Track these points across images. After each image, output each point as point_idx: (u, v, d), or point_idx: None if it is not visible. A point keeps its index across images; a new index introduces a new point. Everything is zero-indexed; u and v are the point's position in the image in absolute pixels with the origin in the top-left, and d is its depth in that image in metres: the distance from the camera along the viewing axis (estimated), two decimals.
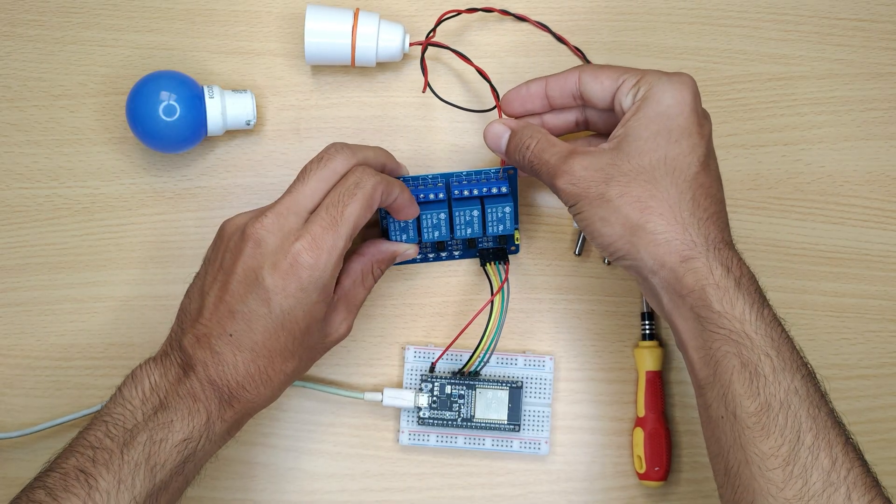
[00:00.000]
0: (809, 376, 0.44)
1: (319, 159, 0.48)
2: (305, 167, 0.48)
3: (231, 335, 0.46)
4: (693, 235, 0.45)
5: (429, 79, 0.55)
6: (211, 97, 0.54)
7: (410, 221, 0.53)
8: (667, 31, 0.59)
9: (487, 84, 0.54)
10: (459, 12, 0.56)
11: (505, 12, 0.58)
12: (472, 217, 0.53)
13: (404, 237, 0.53)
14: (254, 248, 0.46)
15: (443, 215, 0.53)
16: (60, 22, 0.58)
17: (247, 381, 0.46)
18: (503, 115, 0.54)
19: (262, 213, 0.47)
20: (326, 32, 0.54)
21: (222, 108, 0.54)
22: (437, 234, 0.53)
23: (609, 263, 0.58)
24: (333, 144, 0.49)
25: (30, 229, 0.57)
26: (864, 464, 0.43)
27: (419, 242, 0.54)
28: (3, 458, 0.56)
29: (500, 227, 0.54)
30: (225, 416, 0.46)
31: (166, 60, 0.58)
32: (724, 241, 0.46)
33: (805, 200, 0.58)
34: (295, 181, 0.48)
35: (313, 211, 0.47)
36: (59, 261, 0.57)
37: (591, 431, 0.57)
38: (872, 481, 0.43)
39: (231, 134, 0.58)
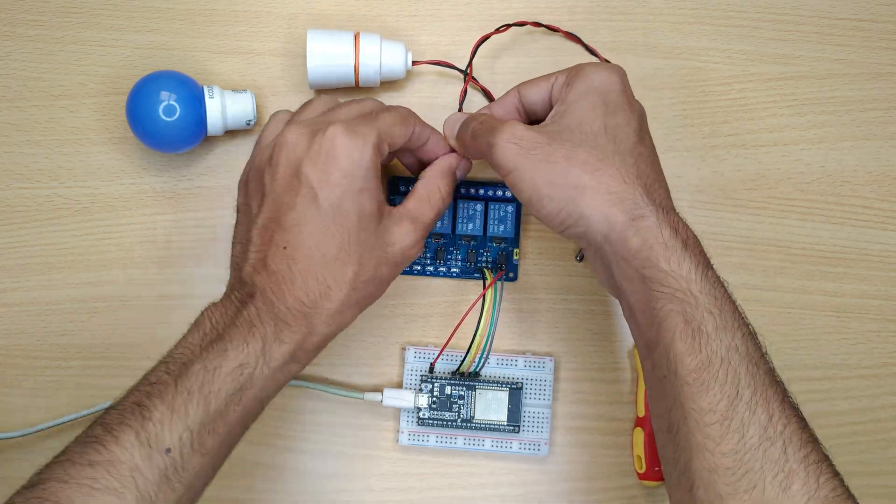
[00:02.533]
0: (750, 335, 0.44)
1: (351, 101, 0.49)
2: (359, 106, 0.49)
3: (285, 248, 0.45)
4: (641, 196, 0.45)
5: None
6: (211, 97, 0.54)
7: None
8: (667, 31, 0.59)
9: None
10: (488, 35, 0.56)
11: (539, 24, 0.58)
12: (475, 211, 0.54)
13: None
14: (288, 153, 0.46)
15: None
16: (60, 22, 0.58)
17: (304, 293, 0.45)
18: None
19: (284, 125, 0.48)
20: (329, 56, 0.54)
21: (222, 108, 0.54)
22: (439, 224, 0.54)
23: (581, 259, 0.57)
24: (365, 98, 0.50)
25: (30, 229, 0.57)
26: (802, 419, 0.43)
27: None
28: (3, 458, 0.56)
29: (501, 228, 0.54)
30: (283, 338, 0.44)
31: (166, 60, 0.58)
32: (670, 206, 0.46)
33: (805, 200, 0.58)
34: (308, 101, 0.49)
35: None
36: (59, 261, 0.57)
37: (591, 431, 0.57)
38: (809, 437, 0.42)
39: (231, 134, 0.58)
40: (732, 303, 0.45)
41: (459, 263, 0.57)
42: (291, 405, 0.57)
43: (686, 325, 0.43)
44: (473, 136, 0.48)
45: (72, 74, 0.58)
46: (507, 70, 0.58)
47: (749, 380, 0.43)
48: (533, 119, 0.51)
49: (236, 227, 0.50)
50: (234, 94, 0.55)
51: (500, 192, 0.55)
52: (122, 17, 0.58)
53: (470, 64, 0.57)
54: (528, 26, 0.57)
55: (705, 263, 0.45)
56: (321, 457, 0.57)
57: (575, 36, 0.58)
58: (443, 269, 0.57)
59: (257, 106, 0.57)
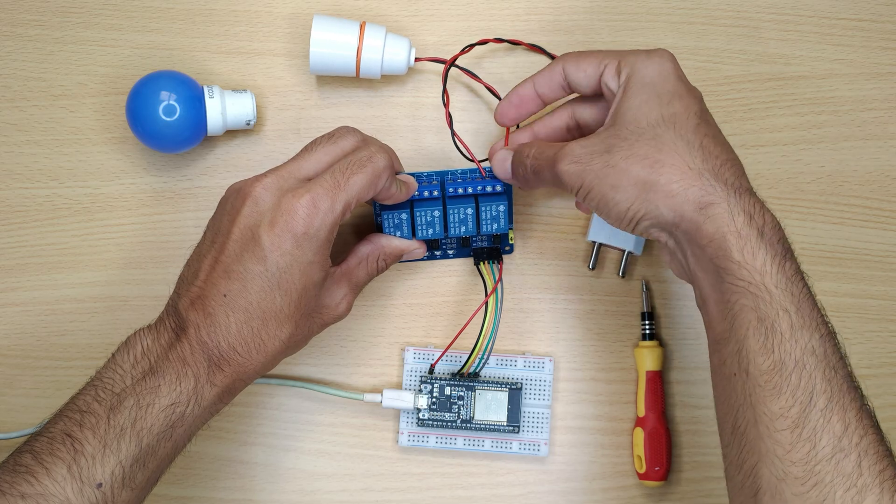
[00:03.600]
0: (829, 335, 0.42)
1: (330, 136, 0.49)
2: (314, 140, 0.49)
3: (225, 295, 0.45)
4: (710, 181, 0.43)
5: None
6: (211, 97, 0.54)
7: (405, 218, 0.53)
8: (667, 31, 0.59)
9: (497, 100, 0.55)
10: (455, 58, 0.56)
11: (531, 45, 0.58)
12: (465, 215, 0.53)
13: (398, 233, 0.54)
14: (251, 207, 0.46)
15: (437, 212, 0.53)
16: (60, 22, 0.58)
17: (239, 343, 0.45)
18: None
19: (262, 175, 0.47)
20: (332, 43, 0.54)
21: (222, 108, 0.54)
22: (431, 231, 0.54)
23: (593, 268, 0.57)
24: (345, 126, 0.50)
25: (30, 229, 0.57)
26: (879, 431, 0.41)
27: (412, 238, 0.54)
28: (2, 458, 0.56)
29: (495, 226, 0.54)
30: (215, 381, 0.45)
31: (166, 60, 0.58)
32: (745, 187, 0.44)
33: (805, 200, 0.58)
34: (301, 151, 0.49)
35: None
36: (59, 261, 0.57)
37: (591, 431, 0.57)
38: (885, 450, 0.41)
39: (231, 134, 0.58)
40: (811, 299, 0.43)
41: (454, 246, 0.57)
42: (291, 405, 0.57)
43: (759, 323, 0.42)
44: (535, 172, 0.49)
45: (72, 74, 0.58)
46: (510, 66, 0.58)
47: (825, 385, 0.41)
48: (577, 92, 0.51)
49: (198, 245, 0.49)
50: (234, 94, 0.55)
51: (489, 188, 0.54)
52: (122, 17, 0.58)
53: (445, 91, 0.56)
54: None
55: (783, 254, 0.43)
56: (321, 457, 0.57)
57: (539, 47, 0.58)
58: (438, 252, 0.57)
59: (257, 106, 0.57)
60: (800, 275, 0.43)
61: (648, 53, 0.47)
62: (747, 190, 0.44)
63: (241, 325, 0.45)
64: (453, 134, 0.55)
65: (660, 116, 0.45)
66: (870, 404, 0.43)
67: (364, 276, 0.52)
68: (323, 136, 0.49)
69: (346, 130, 0.49)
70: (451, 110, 0.57)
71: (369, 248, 0.52)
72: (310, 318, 0.48)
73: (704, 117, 0.46)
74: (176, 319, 0.46)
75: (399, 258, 0.54)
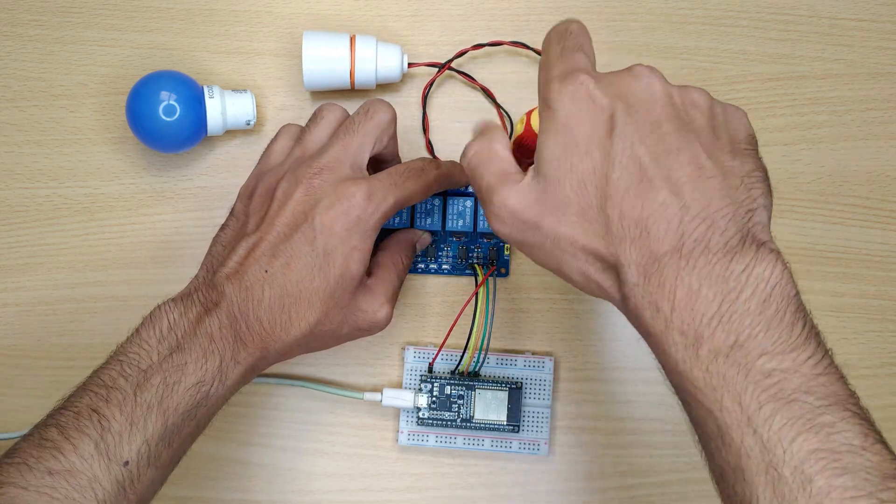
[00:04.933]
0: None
1: (366, 111, 0.49)
2: (351, 119, 0.50)
3: (267, 271, 0.46)
4: (625, 254, 0.37)
5: (430, 97, 0.55)
6: (211, 97, 0.54)
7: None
8: (667, 31, 0.59)
9: (492, 102, 0.55)
10: (433, 79, 0.57)
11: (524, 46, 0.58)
12: (464, 208, 0.54)
13: (397, 220, 0.55)
14: (308, 194, 0.47)
15: (437, 201, 0.54)
16: (60, 22, 0.58)
17: (266, 317, 0.46)
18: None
19: (311, 163, 0.48)
20: (325, 59, 0.54)
21: (222, 108, 0.54)
22: (429, 221, 0.55)
23: None
24: (372, 100, 0.50)
25: (30, 229, 0.57)
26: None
27: (410, 227, 0.55)
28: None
29: None
30: (239, 358, 0.45)
31: (166, 60, 0.58)
32: (695, 243, 0.36)
33: (805, 200, 0.58)
34: (342, 133, 0.49)
35: (364, 165, 0.49)
36: (59, 261, 0.57)
37: (591, 431, 0.57)
38: None
39: (231, 134, 0.58)
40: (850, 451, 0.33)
41: (451, 260, 0.57)
42: (291, 405, 0.57)
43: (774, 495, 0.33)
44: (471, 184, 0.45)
45: (72, 74, 0.58)
46: (505, 70, 0.58)
47: None
48: None
49: (223, 228, 0.50)
50: (234, 94, 0.55)
51: None
52: (122, 17, 0.58)
53: (425, 111, 0.57)
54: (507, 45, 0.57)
55: (779, 380, 0.34)
56: (320, 457, 0.57)
57: (522, 43, 0.57)
58: (434, 265, 0.57)
59: (257, 106, 0.57)
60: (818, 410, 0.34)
61: (561, 82, 0.40)
62: (700, 248, 0.36)
63: (273, 300, 0.46)
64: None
65: (578, 180, 0.38)
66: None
67: (395, 279, 0.51)
68: (358, 114, 0.50)
69: (377, 102, 0.50)
70: (450, 110, 0.58)
71: (386, 254, 0.53)
72: (341, 313, 0.48)
73: (629, 168, 0.37)
74: (209, 292, 0.46)
75: (413, 247, 0.55)
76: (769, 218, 0.39)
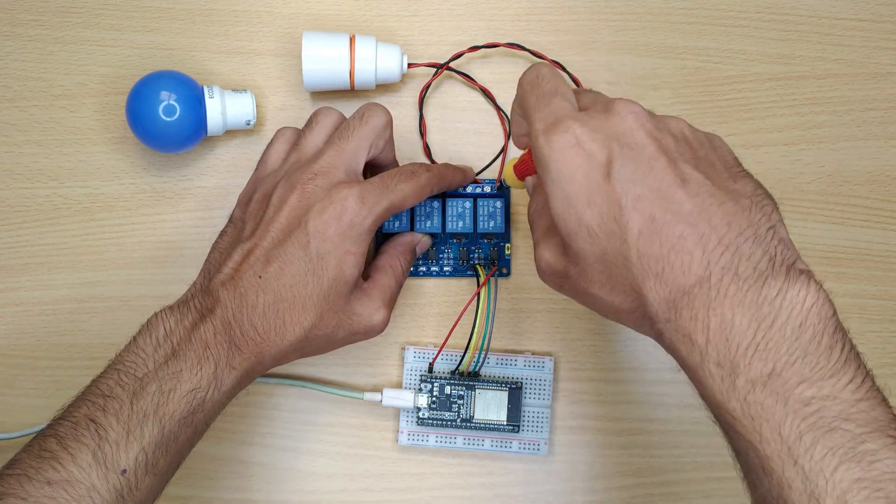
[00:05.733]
0: None
1: (361, 116, 0.50)
2: (346, 124, 0.50)
3: (261, 277, 0.46)
4: (656, 306, 0.37)
5: (429, 97, 0.55)
6: (211, 97, 0.54)
7: (404, 210, 0.54)
8: (667, 31, 0.59)
9: (492, 103, 0.55)
10: (429, 82, 0.57)
11: (520, 47, 0.58)
12: (464, 209, 0.54)
13: (397, 224, 0.55)
14: (302, 199, 0.47)
15: (436, 203, 0.54)
16: (60, 22, 0.58)
17: (261, 322, 0.46)
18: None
19: (306, 168, 0.48)
20: (324, 59, 0.54)
21: (222, 108, 0.54)
22: (429, 223, 0.55)
23: None
24: (368, 104, 0.50)
25: (30, 229, 0.57)
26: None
27: (411, 230, 0.55)
28: (3, 459, 0.56)
29: (492, 224, 0.54)
30: (234, 363, 0.45)
31: (166, 60, 0.58)
32: (700, 289, 0.36)
33: (805, 200, 0.58)
34: (337, 138, 0.49)
35: (359, 170, 0.49)
36: (59, 261, 0.57)
37: (591, 431, 0.57)
38: None
39: (231, 134, 0.58)
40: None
41: (452, 262, 0.57)
42: (290, 405, 0.57)
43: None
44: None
45: (72, 74, 0.58)
46: (505, 70, 0.58)
47: None
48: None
49: (222, 235, 0.51)
50: (234, 94, 0.55)
51: (487, 189, 0.55)
52: (122, 17, 0.58)
53: (421, 113, 0.57)
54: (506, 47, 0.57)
55: (817, 416, 0.33)
56: (320, 457, 0.57)
57: (519, 45, 0.57)
58: (435, 268, 0.57)
59: (257, 106, 0.57)
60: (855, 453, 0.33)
61: (546, 133, 0.39)
62: (717, 291, 0.36)
63: (267, 305, 0.46)
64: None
65: (586, 230, 0.38)
66: None
67: (392, 282, 0.51)
68: (354, 118, 0.50)
69: (373, 106, 0.50)
70: (450, 111, 0.58)
71: (384, 257, 0.53)
72: (336, 317, 0.48)
73: (639, 209, 0.37)
74: (204, 299, 0.46)
75: (412, 250, 0.55)
76: (787, 232, 0.39)
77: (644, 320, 0.39)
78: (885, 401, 0.35)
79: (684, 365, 0.37)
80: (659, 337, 0.38)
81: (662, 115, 0.42)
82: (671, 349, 0.38)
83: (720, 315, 0.35)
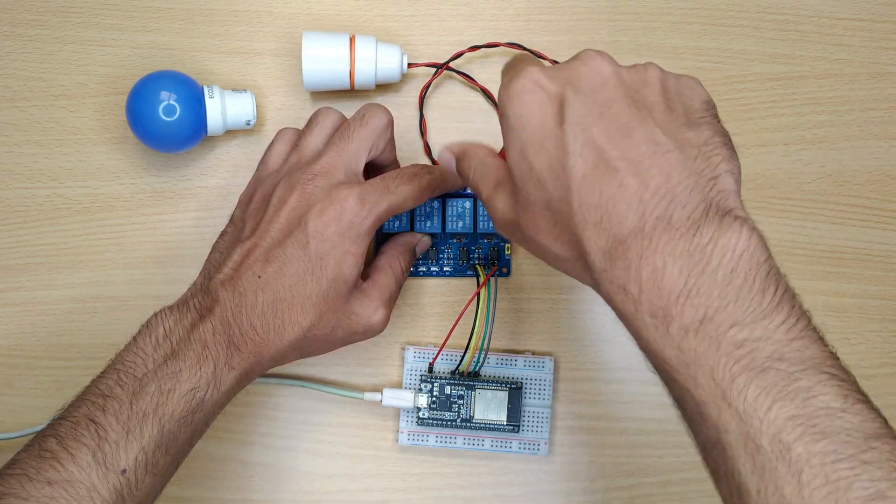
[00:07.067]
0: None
1: (361, 117, 0.50)
2: (347, 124, 0.50)
3: (260, 277, 0.46)
4: (593, 247, 0.37)
5: (429, 97, 0.55)
6: (211, 97, 0.54)
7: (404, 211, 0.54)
8: (667, 31, 0.59)
9: (492, 103, 0.55)
10: (429, 82, 0.57)
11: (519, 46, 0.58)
12: (464, 209, 0.54)
13: (397, 224, 0.55)
14: (302, 199, 0.47)
15: (436, 203, 0.54)
16: (60, 22, 0.58)
17: (261, 322, 0.46)
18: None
19: (307, 168, 0.48)
20: (324, 59, 0.54)
21: (222, 108, 0.54)
22: (429, 224, 0.55)
23: None
24: (368, 105, 0.50)
25: (30, 229, 0.57)
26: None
27: (411, 230, 0.55)
28: (3, 459, 0.56)
29: (492, 224, 0.54)
30: (233, 363, 0.45)
31: (166, 60, 0.58)
32: (652, 225, 0.36)
33: (805, 200, 0.58)
34: (338, 139, 0.49)
35: (360, 171, 0.49)
36: (59, 261, 0.57)
37: (591, 431, 0.57)
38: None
39: (231, 134, 0.58)
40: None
41: (452, 262, 0.57)
42: (290, 405, 0.57)
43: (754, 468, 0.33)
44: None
45: (72, 74, 0.58)
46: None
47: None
48: None
49: (222, 235, 0.51)
50: (234, 94, 0.55)
51: None
52: (122, 17, 0.58)
53: (422, 113, 0.57)
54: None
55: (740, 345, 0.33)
56: (320, 457, 0.57)
57: (518, 45, 0.57)
58: (435, 268, 0.57)
59: (257, 106, 0.57)
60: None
61: (507, 82, 0.40)
62: (662, 226, 0.35)
63: (266, 305, 0.46)
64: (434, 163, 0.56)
65: (536, 177, 0.38)
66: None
67: (391, 282, 0.51)
68: (354, 119, 0.50)
69: (373, 107, 0.50)
70: (451, 110, 0.58)
71: (383, 257, 0.53)
72: (335, 318, 0.48)
73: (585, 155, 0.37)
74: (204, 299, 0.46)
75: (412, 250, 0.54)
76: (737, 182, 0.38)
77: (584, 271, 0.38)
78: (821, 339, 0.34)
79: (621, 315, 0.37)
80: (597, 287, 0.38)
81: (636, 63, 0.41)
82: (608, 299, 0.37)
83: (652, 264, 0.35)
